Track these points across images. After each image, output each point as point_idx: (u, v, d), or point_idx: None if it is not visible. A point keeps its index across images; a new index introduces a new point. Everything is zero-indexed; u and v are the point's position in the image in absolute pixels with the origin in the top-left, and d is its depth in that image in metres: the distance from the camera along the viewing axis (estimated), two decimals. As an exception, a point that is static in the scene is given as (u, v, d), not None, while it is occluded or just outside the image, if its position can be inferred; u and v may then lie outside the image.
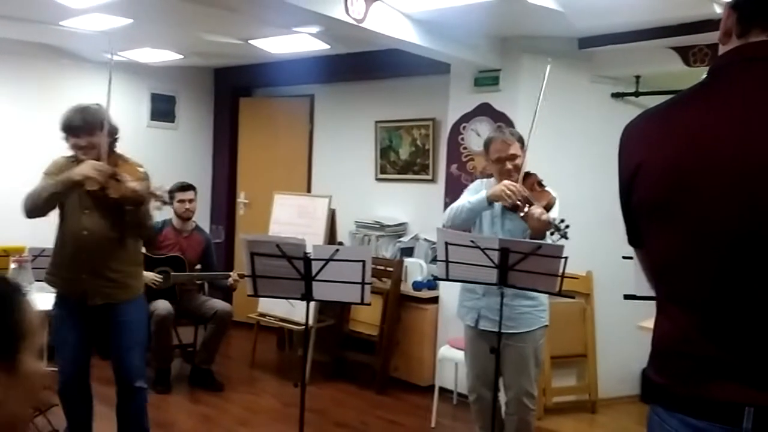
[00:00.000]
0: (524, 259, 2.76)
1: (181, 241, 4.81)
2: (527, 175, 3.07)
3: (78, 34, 4.81)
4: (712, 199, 1.18)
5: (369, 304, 2.98)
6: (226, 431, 4.03)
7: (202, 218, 6.00)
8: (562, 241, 2.79)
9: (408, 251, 5.22)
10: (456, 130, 4.73)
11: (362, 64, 5.40)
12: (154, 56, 5.63)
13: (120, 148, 3.09)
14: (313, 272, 2.88)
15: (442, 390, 4.36)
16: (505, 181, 2.97)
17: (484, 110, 4.56)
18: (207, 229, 5.68)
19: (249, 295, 3.07)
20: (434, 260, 4.52)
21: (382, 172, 5.70)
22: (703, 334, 1.21)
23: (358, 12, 3.53)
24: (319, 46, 5.03)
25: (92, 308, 2.98)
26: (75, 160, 2.94)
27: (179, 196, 4.77)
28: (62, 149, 3.02)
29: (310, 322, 3.54)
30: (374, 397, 4.69)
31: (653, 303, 1.35)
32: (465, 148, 4.67)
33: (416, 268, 4.95)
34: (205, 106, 6.79)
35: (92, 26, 4.56)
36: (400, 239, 5.36)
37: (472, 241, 2.86)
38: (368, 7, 3.57)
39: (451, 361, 4.20)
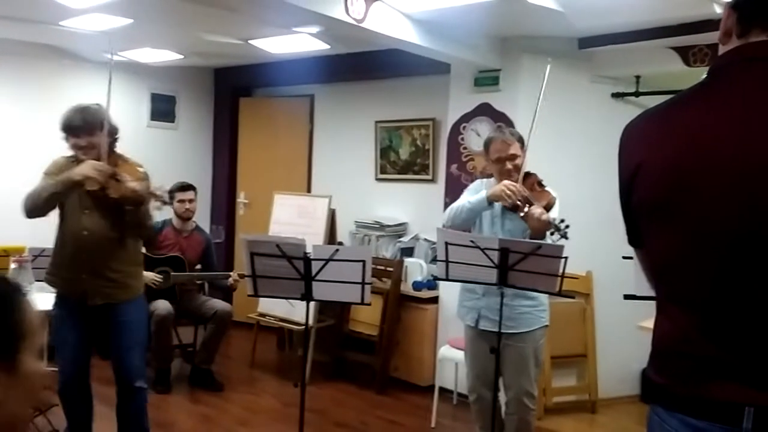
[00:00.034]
0: (524, 259, 2.76)
1: (181, 241, 4.81)
2: (527, 175, 3.07)
3: (78, 34, 4.81)
4: (711, 199, 1.18)
5: (369, 304, 2.98)
6: (226, 431, 4.03)
7: (202, 218, 6.00)
8: (562, 241, 2.79)
9: (408, 251, 5.22)
10: (456, 130, 4.73)
11: (362, 64, 5.40)
12: (154, 56, 5.63)
13: (120, 148, 3.09)
14: (313, 272, 2.88)
15: (442, 390, 4.36)
16: (506, 181, 2.97)
17: (484, 110, 4.56)
18: (207, 229, 5.68)
19: (249, 295, 3.07)
20: (434, 260, 4.52)
21: (382, 172, 5.70)
22: (703, 334, 1.21)
23: (358, 12, 3.53)
24: (319, 46, 5.03)
25: (92, 308, 2.98)
26: (75, 160, 2.94)
27: (179, 196, 4.77)
28: (62, 149, 3.02)
29: (310, 322, 3.54)
30: (374, 397, 4.69)
31: (653, 303, 1.35)
32: (465, 148, 4.67)
33: (416, 268, 4.95)
34: (205, 106, 6.79)
35: (92, 26, 4.56)
36: (400, 239, 5.36)
37: (472, 241, 2.87)
38: (368, 7, 3.57)
39: (451, 361, 4.20)
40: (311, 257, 2.88)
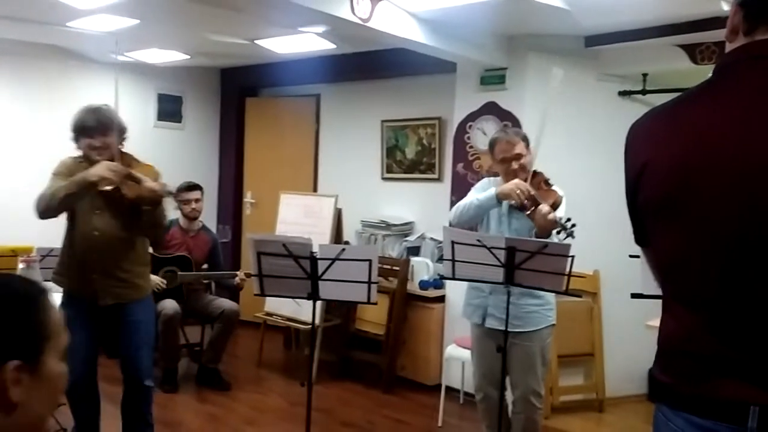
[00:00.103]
0: (531, 257, 2.75)
1: (187, 241, 4.83)
2: (534, 174, 3.06)
3: (85, 35, 4.83)
4: (712, 198, 1.17)
5: (375, 304, 2.99)
6: (233, 430, 4.04)
7: (208, 218, 6.02)
8: (569, 240, 2.78)
9: (414, 250, 5.22)
10: (462, 128, 4.72)
11: (368, 64, 5.40)
12: (160, 57, 5.65)
13: (127, 148, 3.10)
14: (320, 271, 2.88)
15: (449, 389, 4.36)
16: (517, 180, 2.97)
17: (491, 109, 4.55)
18: (214, 229, 5.70)
19: (256, 295, 3.08)
20: (441, 259, 4.52)
21: (389, 171, 5.70)
22: (708, 333, 1.21)
23: (364, 11, 3.53)
24: (325, 46, 5.04)
25: (102, 308, 2.99)
26: (83, 161, 2.95)
27: (185, 195, 4.79)
28: (70, 150, 3.03)
29: (317, 321, 3.55)
30: (381, 396, 4.69)
31: (660, 302, 1.35)
32: (471, 147, 4.67)
33: (423, 268, 4.95)
34: (211, 106, 6.81)
35: (99, 27, 4.58)
36: (407, 238, 5.36)
37: (478, 240, 2.86)
38: (374, 6, 3.58)
39: (457, 360, 4.20)
40: (318, 257, 2.88)
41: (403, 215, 5.51)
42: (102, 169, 2.78)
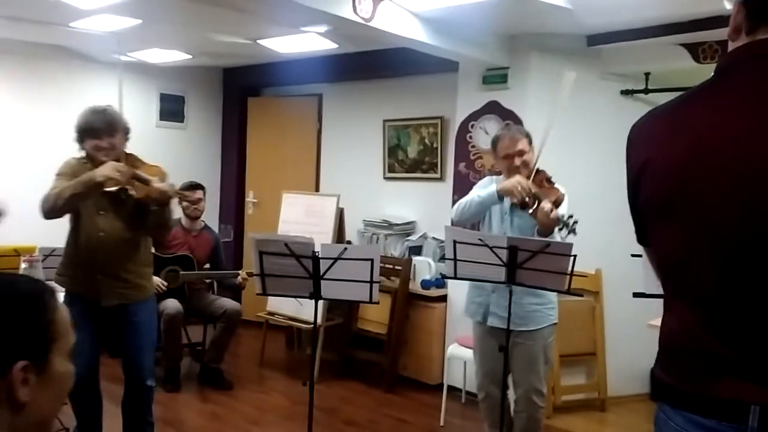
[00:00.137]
0: (533, 257, 2.76)
1: (190, 240, 4.83)
2: (536, 171, 3.06)
3: (87, 35, 4.84)
4: (712, 198, 1.17)
5: (377, 303, 2.99)
6: (235, 430, 4.04)
7: (210, 217, 6.02)
8: (571, 237, 2.79)
9: (416, 250, 5.22)
10: (464, 128, 4.72)
11: (370, 63, 5.40)
12: (163, 56, 5.65)
13: (129, 148, 3.10)
14: (322, 271, 2.88)
15: (451, 388, 4.36)
16: (518, 176, 2.96)
17: (493, 108, 4.55)
18: (216, 229, 5.70)
19: (258, 294, 3.09)
20: (442, 259, 4.51)
21: (391, 170, 5.70)
22: (709, 332, 1.21)
23: (366, 11, 3.53)
24: (327, 46, 5.04)
25: (105, 308, 3.00)
26: (86, 162, 2.95)
27: (188, 195, 4.78)
28: (74, 150, 3.03)
29: (319, 320, 3.55)
30: (383, 395, 4.69)
31: (662, 301, 1.35)
32: (473, 147, 4.67)
33: (425, 267, 4.95)
34: (213, 106, 6.81)
35: (101, 27, 4.59)
36: (409, 238, 5.36)
37: (480, 240, 2.86)
38: (376, 5, 3.58)
39: (459, 359, 4.20)
40: (320, 256, 2.88)
41: (405, 215, 5.51)
42: (109, 169, 2.78)
